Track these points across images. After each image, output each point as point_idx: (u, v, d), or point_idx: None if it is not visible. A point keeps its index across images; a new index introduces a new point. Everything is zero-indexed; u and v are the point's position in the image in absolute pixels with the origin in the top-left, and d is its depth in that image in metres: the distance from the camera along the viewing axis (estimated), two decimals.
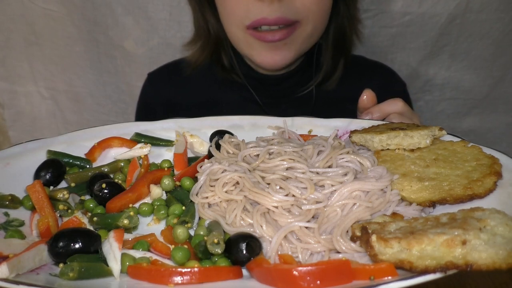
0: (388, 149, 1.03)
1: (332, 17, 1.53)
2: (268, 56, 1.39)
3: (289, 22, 1.32)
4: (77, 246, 0.82)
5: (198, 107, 1.62)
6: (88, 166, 1.11)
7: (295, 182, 0.93)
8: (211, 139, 1.16)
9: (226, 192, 0.95)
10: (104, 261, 0.82)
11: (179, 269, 0.77)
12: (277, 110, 1.59)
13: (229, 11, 1.38)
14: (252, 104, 1.61)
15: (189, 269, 0.77)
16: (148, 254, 0.85)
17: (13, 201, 0.96)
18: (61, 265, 0.79)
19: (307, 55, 1.58)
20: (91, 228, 0.92)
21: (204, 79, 1.68)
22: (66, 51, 1.96)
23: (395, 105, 1.19)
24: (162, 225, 0.97)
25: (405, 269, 0.72)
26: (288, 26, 1.34)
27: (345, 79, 1.63)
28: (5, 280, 0.73)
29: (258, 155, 1.04)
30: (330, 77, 1.61)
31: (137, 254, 0.85)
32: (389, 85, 1.69)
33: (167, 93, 1.71)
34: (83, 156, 1.12)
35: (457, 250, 0.70)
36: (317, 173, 0.96)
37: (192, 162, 1.11)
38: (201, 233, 0.89)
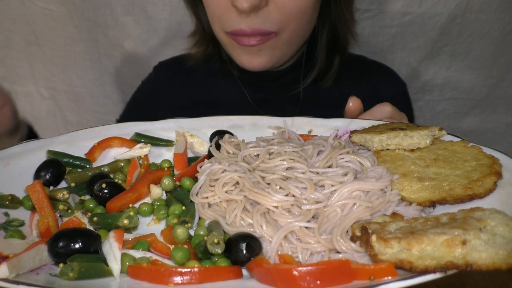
0: (388, 149, 1.03)
1: (325, 18, 1.53)
2: (247, 59, 1.43)
3: (265, 33, 1.34)
4: (77, 246, 0.82)
5: (195, 103, 1.63)
6: (88, 166, 1.11)
7: (295, 182, 0.93)
8: (211, 139, 1.16)
9: (226, 192, 0.95)
10: (104, 261, 0.82)
11: (179, 269, 0.77)
12: (271, 107, 1.60)
13: (211, 16, 1.43)
14: (246, 101, 1.62)
15: (189, 269, 0.77)
16: (148, 254, 0.85)
17: (13, 201, 0.96)
18: (61, 265, 0.79)
19: (304, 52, 1.58)
20: (91, 228, 0.92)
21: (201, 75, 1.69)
22: (66, 51, 1.97)
23: (384, 110, 1.18)
24: (162, 225, 0.97)
25: (405, 269, 0.72)
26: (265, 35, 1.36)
27: (344, 78, 1.63)
28: (5, 280, 0.73)
29: (258, 155, 1.04)
30: (325, 73, 1.61)
31: (137, 254, 0.85)
32: (389, 85, 1.69)
33: (170, 85, 1.72)
34: (83, 156, 1.12)
35: (457, 250, 0.71)
36: (317, 173, 0.96)
37: (192, 162, 1.11)
38: (201, 233, 0.89)
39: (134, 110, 1.76)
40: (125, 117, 1.76)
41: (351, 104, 1.18)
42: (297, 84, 1.61)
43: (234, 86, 1.64)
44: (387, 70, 1.75)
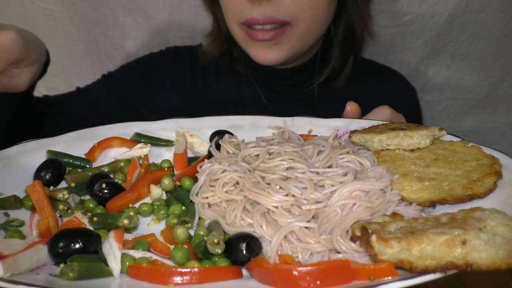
0: (388, 149, 1.03)
1: (342, 13, 1.53)
2: (260, 53, 1.41)
3: (279, 22, 1.34)
4: (77, 246, 0.82)
5: (203, 101, 1.62)
6: (88, 166, 1.11)
7: (295, 182, 0.93)
8: (211, 139, 1.16)
9: (226, 192, 0.95)
10: (104, 261, 0.82)
11: (179, 269, 0.77)
12: (283, 106, 1.59)
13: (226, 8, 1.43)
14: (258, 100, 1.61)
15: (189, 269, 0.77)
16: (148, 254, 0.85)
17: (16, 202, 0.97)
18: (61, 265, 0.79)
19: (319, 50, 1.58)
20: (91, 228, 0.92)
21: (211, 72, 1.69)
22: (66, 51, 1.96)
23: (382, 114, 1.18)
24: (162, 225, 0.97)
25: (405, 269, 0.72)
26: (280, 26, 1.35)
27: (354, 81, 1.63)
28: (4, 280, 0.72)
29: (258, 155, 1.04)
30: (338, 74, 1.60)
31: (137, 254, 0.85)
32: (400, 91, 1.69)
33: (177, 73, 1.70)
34: (83, 156, 1.12)
35: (457, 250, 0.71)
36: (317, 173, 0.96)
37: (192, 162, 1.11)
38: (201, 233, 0.89)
39: (130, 74, 1.70)
40: (115, 78, 1.69)
41: (349, 108, 1.18)
42: (309, 84, 1.60)
43: (244, 85, 1.64)
44: (398, 75, 1.75)
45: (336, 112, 1.23)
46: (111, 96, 1.65)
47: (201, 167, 1.05)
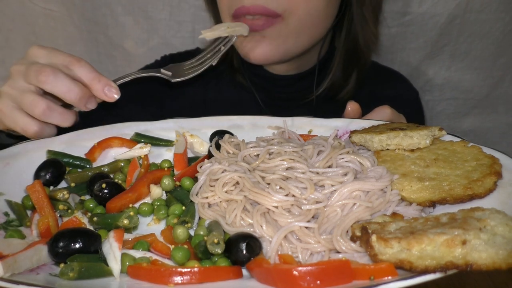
0: (388, 149, 1.03)
1: (344, 22, 1.50)
2: (250, 48, 1.38)
3: (269, 12, 1.30)
4: (77, 246, 0.82)
5: (201, 104, 1.61)
6: (88, 166, 1.11)
7: (295, 182, 0.93)
8: (211, 139, 1.16)
9: (226, 192, 0.95)
10: (104, 261, 0.82)
11: (179, 269, 0.77)
12: (280, 114, 1.59)
13: (219, 0, 1.41)
14: (256, 107, 1.60)
15: (189, 269, 0.77)
16: (148, 254, 0.85)
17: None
18: (61, 265, 0.79)
19: (321, 60, 1.56)
20: (91, 228, 0.92)
21: (212, 75, 1.68)
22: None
23: (383, 113, 1.17)
24: (162, 225, 0.97)
25: (405, 269, 0.72)
26: (271, 18, 1.32)
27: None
28: (4, 279, 0.72)
29: (258, 155, 1.04)
30: (339, 90, 1.57)
31: (137, 254, 0.85)
32: (402, 93, 1.68)
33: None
34: (83, 156, 1.12)
35: (457, 250, 0.70)
36: (317, 173, 0.96)
37: (192, 162, 1.11)
38: (201, 233, 0.89)
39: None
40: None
41: (349, 108, 1.18)
42: (309, 93, 1.58)
43: (243, 88, 1.62)
44: (400, 77, 1.74)
45: (339, 115, 1.22)
46: (112, 117, 1.64)
47: (201, 167, 1.05)
